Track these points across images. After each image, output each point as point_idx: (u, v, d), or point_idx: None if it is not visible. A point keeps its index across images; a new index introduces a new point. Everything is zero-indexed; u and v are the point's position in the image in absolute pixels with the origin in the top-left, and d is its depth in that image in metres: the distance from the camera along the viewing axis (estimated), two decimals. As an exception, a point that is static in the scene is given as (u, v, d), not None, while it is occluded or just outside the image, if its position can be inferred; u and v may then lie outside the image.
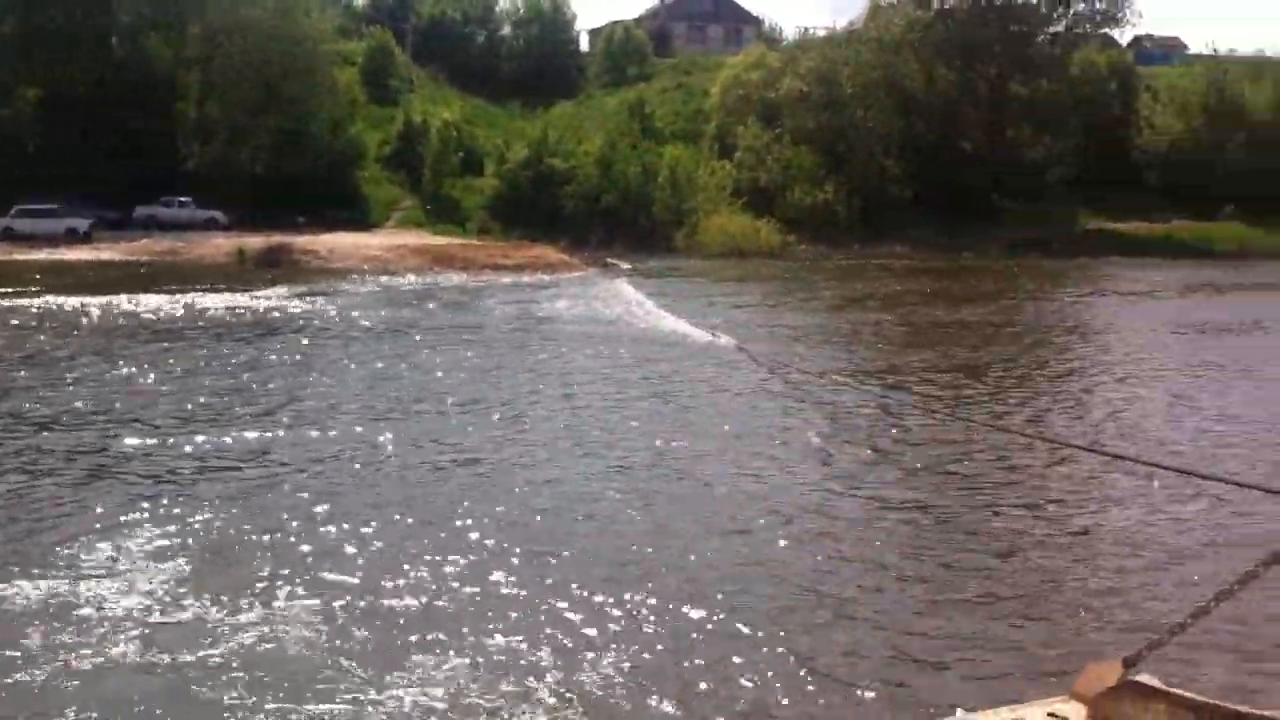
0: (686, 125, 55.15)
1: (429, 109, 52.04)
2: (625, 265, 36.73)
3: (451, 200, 47.32)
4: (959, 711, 4.17)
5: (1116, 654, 3.83)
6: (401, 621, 6.64)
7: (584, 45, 70.59)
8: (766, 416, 12.94)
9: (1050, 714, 3.61)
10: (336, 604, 6.86)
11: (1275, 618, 6.69)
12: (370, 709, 5.62)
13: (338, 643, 6.35)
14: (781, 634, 6.59)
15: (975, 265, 39.48)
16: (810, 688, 5.93)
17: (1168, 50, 70.12)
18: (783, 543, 8.30)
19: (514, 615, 6.76)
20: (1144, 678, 3.57)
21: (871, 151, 48.80)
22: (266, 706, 5.60)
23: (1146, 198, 52.04)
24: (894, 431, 12.23)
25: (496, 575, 7.41)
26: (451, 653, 6.27)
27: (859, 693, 5.89)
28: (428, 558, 7.70)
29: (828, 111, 49.38)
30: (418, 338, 18.96)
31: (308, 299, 25.05)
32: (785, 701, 5.80)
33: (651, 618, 6.82)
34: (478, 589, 7.17)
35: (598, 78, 64.82)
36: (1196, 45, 72.27)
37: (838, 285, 31.94)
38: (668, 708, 5.70)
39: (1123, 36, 62.39)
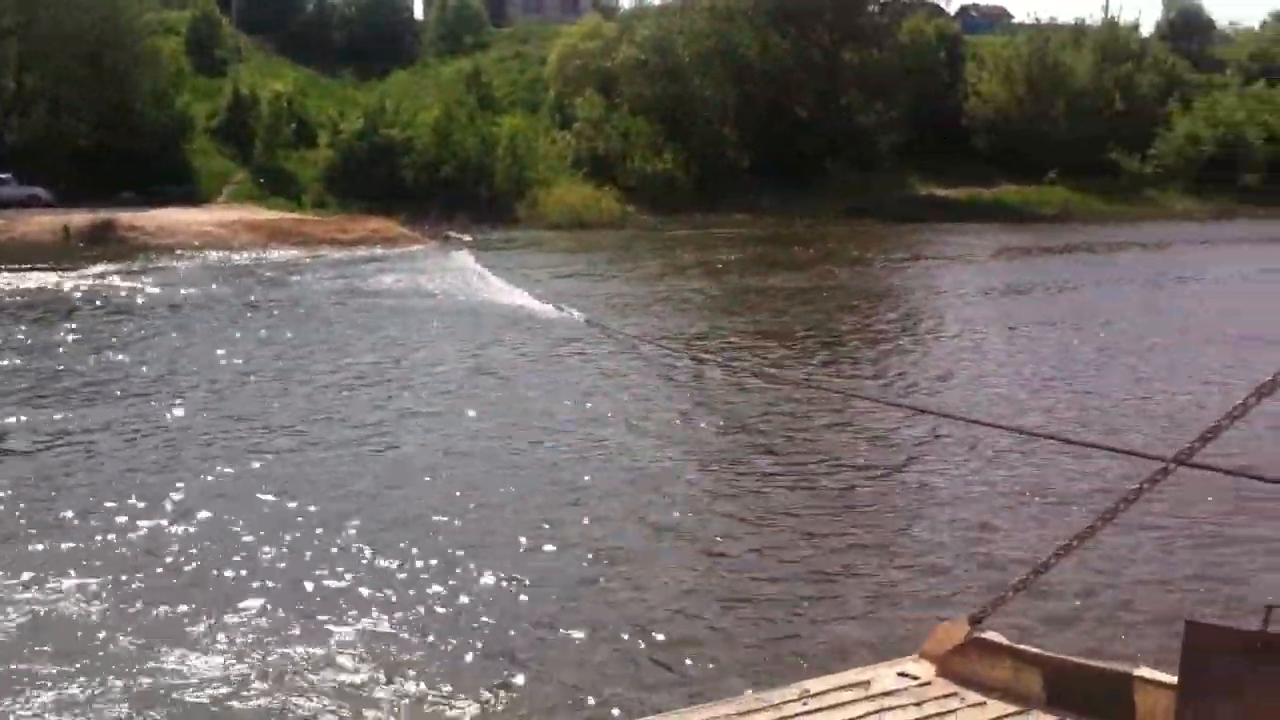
0: (524, 95, 56.45)
1: (258, 80, 51.90)
2: (466, 238, 37.63)
3: (285, 173, 47.57)
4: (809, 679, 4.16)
5: (964, 612, 4.04)
6: (183, 592, 6.90)
7: (418, 13, 71.15)
8: (592, 384, 13.47)
9: (901, 674, 3.83)
10: (122, 577, 7.10)
11: (1112, 571, 7.14)
12: (145, 680, 5.79)
13: (114, 616, 6.54)
14: (623, 604, 6.79)
15: (811, 231, 41.28)
16: (653, 659, 6.08)
17: (993, 19, 76.04)
18: (620, 511, 8.54)
19: (303, 581, 7.10)
20: (990, 634, 3.82)
21: (709, 120, 51.00)
22: (42, 674, 5.82)
23: (975, 163, 55.35)
24: (728, 396, 12.88)
25: (281, 544, 7.72)
26: (233, 619, 6.53)
27: (704, 664, 6.02)
28: (213, 531, 8.01)
29: (665, 80, 51.35)
30: (235, 314, 19.30)
31: (131, 277, 25.20)
32: (618, 672, 5.94)
33: (440, 579, 7.10)
34: (263, 560, 7.45)
35: (433, 46, 65.41)
36: (1021, 14, 78.61)
37: (678, 253, 33.08)
38: (482, 689, 5.78)
39: (950, 5, 67.86)
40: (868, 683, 3.76)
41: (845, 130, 53.39)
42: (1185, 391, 13.24)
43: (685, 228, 43.26)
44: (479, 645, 6.31)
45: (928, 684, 3.76)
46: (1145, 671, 3.51)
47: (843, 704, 3.62)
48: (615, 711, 5.56)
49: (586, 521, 8.39)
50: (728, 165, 50.58)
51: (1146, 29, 70.94)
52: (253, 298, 22.24)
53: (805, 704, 3.63)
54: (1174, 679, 3.26)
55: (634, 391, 13.30)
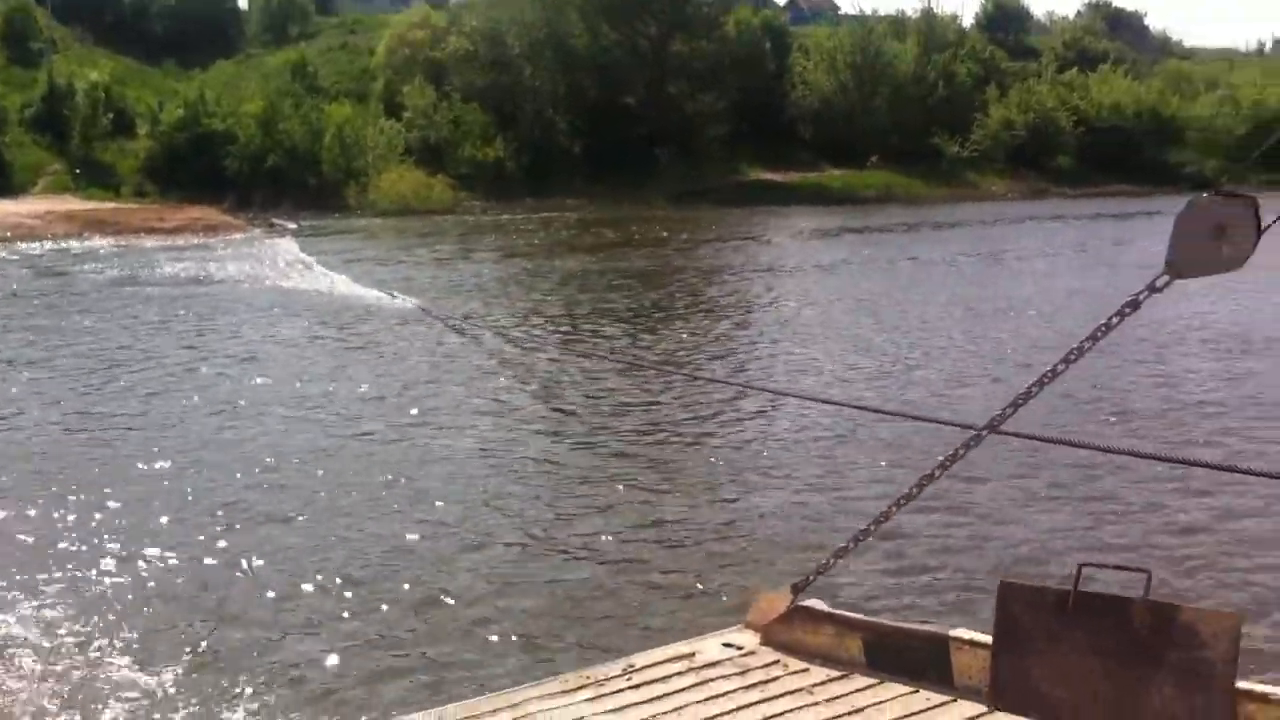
0: (353, 85, 56.96)
1: (75, 70, 51.44)
2: (292, 225, 38.08)
3: (103, 164, 47.51)
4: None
5: (788, 582, 4.11)
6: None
7: (243, 2, 70.99)
8: (417, 370, 13.63)
9: (726, 644, 3.92)
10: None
11: (929, 536, 7.48)
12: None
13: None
14: (440, 583, 6.86)
15: (641, 216, 42.54)
16: (473, 640, 6.10)
17: (820, 11, 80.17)
18: (441, 493, 8.67)
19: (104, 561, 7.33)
20: (812, 602, 3.93)
21: (539, 109, 52.53)
22: None
23: (802, 150, 58.28)
24: (556, 376, 13.24)
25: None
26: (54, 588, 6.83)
27: (528, 643, 6.07)
28: None
29: (495, 70, 52.83)
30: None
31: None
32: (439, 652, 5.97)
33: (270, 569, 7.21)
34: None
35: (258, 36, 65.86)
36: (847, 6, 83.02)
37: (510, 239, 33.75)
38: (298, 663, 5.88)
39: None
40: (693, 654, 3.85)
41: (674, 119, 55.40)
42: (998, 362, 14.00)
43: (517, 214, 44.41)
44: (283, 626, 6.41)
45: (752, 653, 3.88)
46: (961, 632, 3.64)
47: (667, 677, 3.68)
48: (440, 695, 5.46)
49: (408, 504, 8.44)
50: (559, 153, 52.15)
51: (966, 20, 75.22)
52: (15, 288, 21.84)
53: (630, 679, 3.69)
54: (989, 639, 3.41)
55: (462, 375, 13.42)
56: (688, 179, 51.84)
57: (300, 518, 8.25)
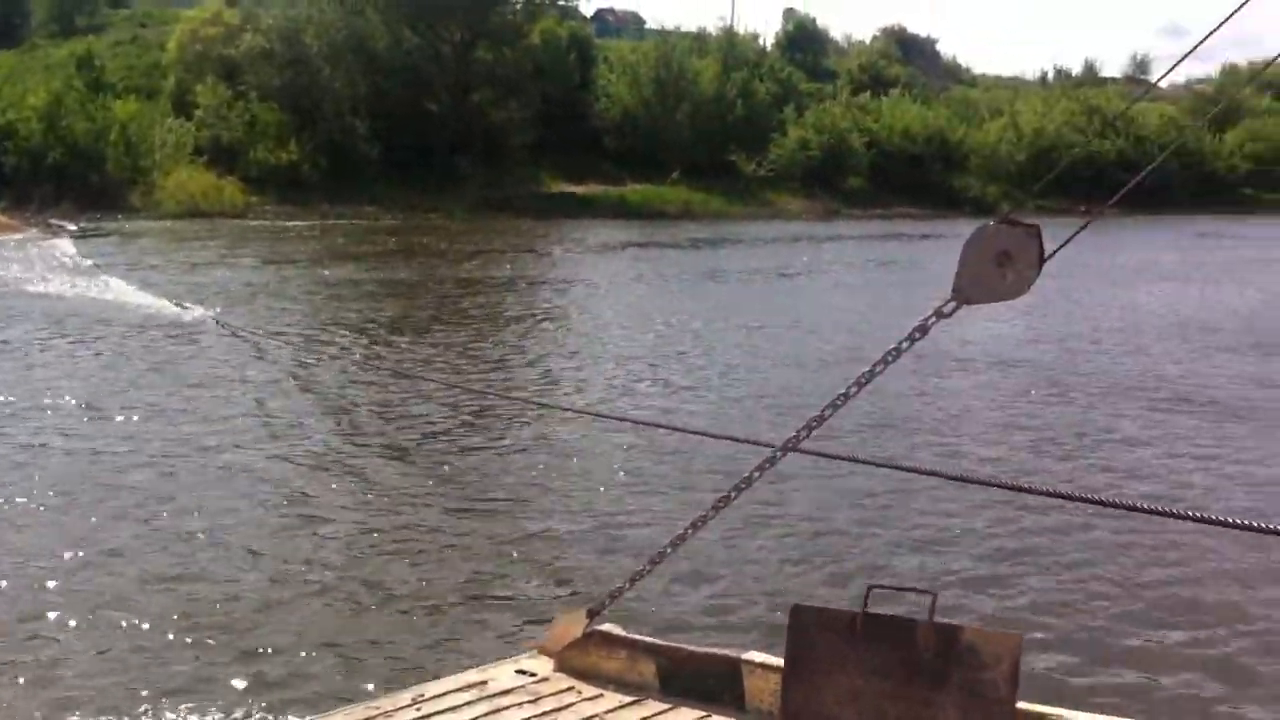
0: (142, 80, 55.77)
1: None
2: (71, 225, 37.27)
3: None
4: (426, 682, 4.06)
5: (582, 604, 4.17)
6: None
7: None
8: (198, 381, 13.14)
9: (519, 671, 3.93)
10: None
11: (726, 558, 7.52)
12: None
13: None
14: (215, 612, 6.51)
15: (441, 225, 43.01)
16: (253, 671, 5.77)
17: (624, 24, 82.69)
18: (219, 516, 8.26)
19: None
20: (608, 627, 3.97)
21: (338, 111, 52.39)
22: None
23: (605, 163, 59.65)
24: (347, 392, 12.96)
25: None
26: None
27: (314, 673, 5.80)
28: None
29: (292, 70, 52.57)
30: None
31: None
32: (202, 684, 5.64)
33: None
34: None
35: (44, 26, 64.15)
36: (652, 20, 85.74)
37: (302, 245, 33.44)
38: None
39: (587, 7, 73.39)
40: (484, 682, 3.83)
41: (477, 127, 56.10)
42: (795, 380, 14.20)
43: (312, 219, 44.23)
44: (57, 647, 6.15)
45: (545, 679, 3.87)
46: (754, 655, 3.71)
47: (457, 706, 3.66)
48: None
49: (180, 530, 8.01)
50: (357, 157, 52.05)
51: (767, 40, 78.91)
52: None
53: (419, 709, 3.65)
54: (781, 661, 3.47)
55: (244, 389, 12.92)
56: (489, 188, 52.44)
57: (51, 547, 7.62)
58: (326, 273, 26.40)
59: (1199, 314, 21.35)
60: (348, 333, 17.58)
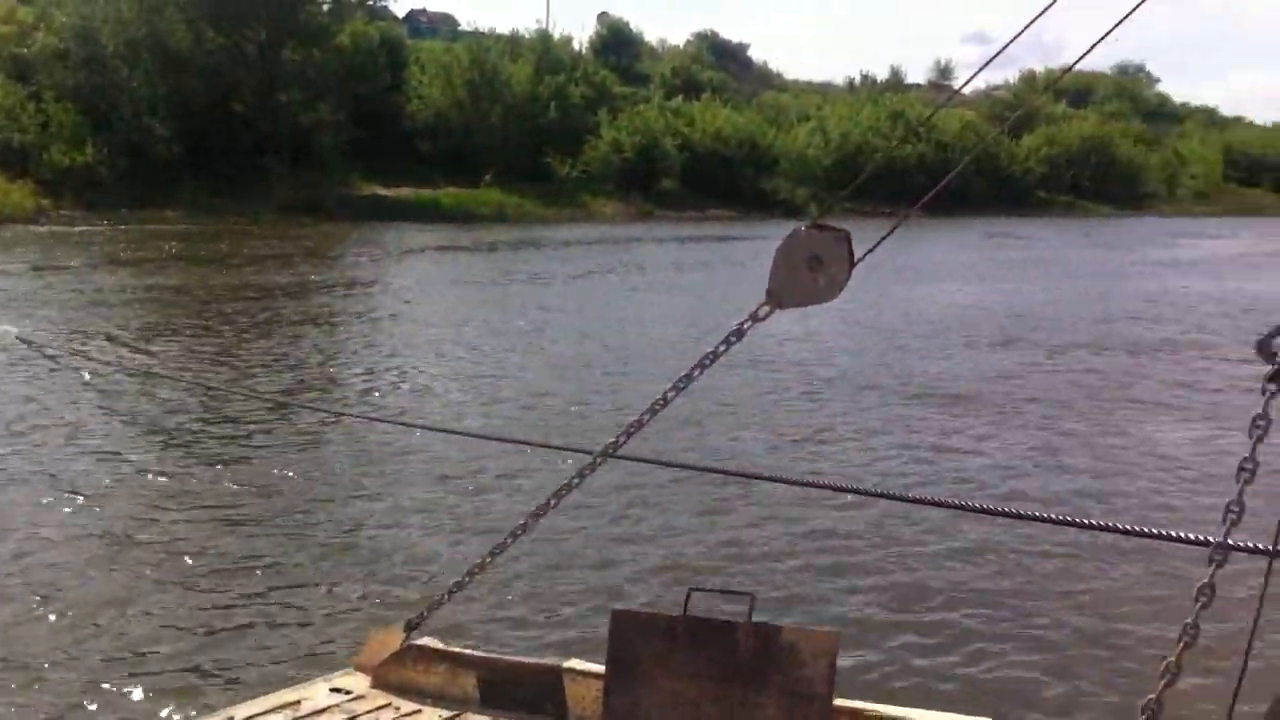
0: None
1: None
2: None
3: None
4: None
5: (399, 619, 4.14)
6: None
7: None
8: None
9: (334, 689, 3.88)
10: None
11: (548, 566, 7.53)
12: None
13: None
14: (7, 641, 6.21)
15: (248, 229, 42.46)
16: (53, 698, 5.60)
17: (437, 25, 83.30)
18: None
19: None
20: (425, 641, 3.96)
21: (137, 111, 51.24)
22: None
23: (417, 165, 59.76)
24: (149, 407, 12.29)
25: None
26: None
27: (116, 698, 5.61)
28: None
29: (87, 69, 51.18)
30: None
31: None
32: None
33: None
34: None
35: None
36: (465, 22, 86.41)
37: (102, 250, 32.62)
38: None
39: (398, 8, 73.62)
40: (298, 702, 3.75)
41: (285, 128, 55.58)
42: (613, 384, 14.37)
43: (110, 224, 43.43)
44: None
45: (361, 697, 3.83)
46: (576, 663, 3.72)
47: None
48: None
49: None
50: (158, 160, 50.86)
51: (581, 43, 79.47)
52: None
53: None
54: (603, 668, 3.49)
55: (35, 407, 12.37)
56: (298, 190, 52.06)
57: None
58: (97, 279, 25.41)
59: (966, 313, 22.56)
60: (141, 340, 17.10)
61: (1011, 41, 2.63)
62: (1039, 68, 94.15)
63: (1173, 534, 3.16)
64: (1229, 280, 31.23)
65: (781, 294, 2.84)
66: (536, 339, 18.23)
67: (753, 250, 38.30)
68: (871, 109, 77.93)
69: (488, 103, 63.57)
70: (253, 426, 11.64)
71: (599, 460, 3.62)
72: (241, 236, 39.56)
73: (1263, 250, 45.94)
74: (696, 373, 3.30)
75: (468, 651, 3.99)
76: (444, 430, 10.52)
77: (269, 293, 23.99)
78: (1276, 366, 1.87)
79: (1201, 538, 2.68)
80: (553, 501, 3.68)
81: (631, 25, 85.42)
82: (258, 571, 7.52)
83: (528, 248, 40.02)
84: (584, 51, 77.34)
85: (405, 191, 57.42)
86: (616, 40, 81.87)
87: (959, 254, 38.82)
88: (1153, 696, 1.91)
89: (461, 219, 53.34)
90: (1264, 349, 1.87)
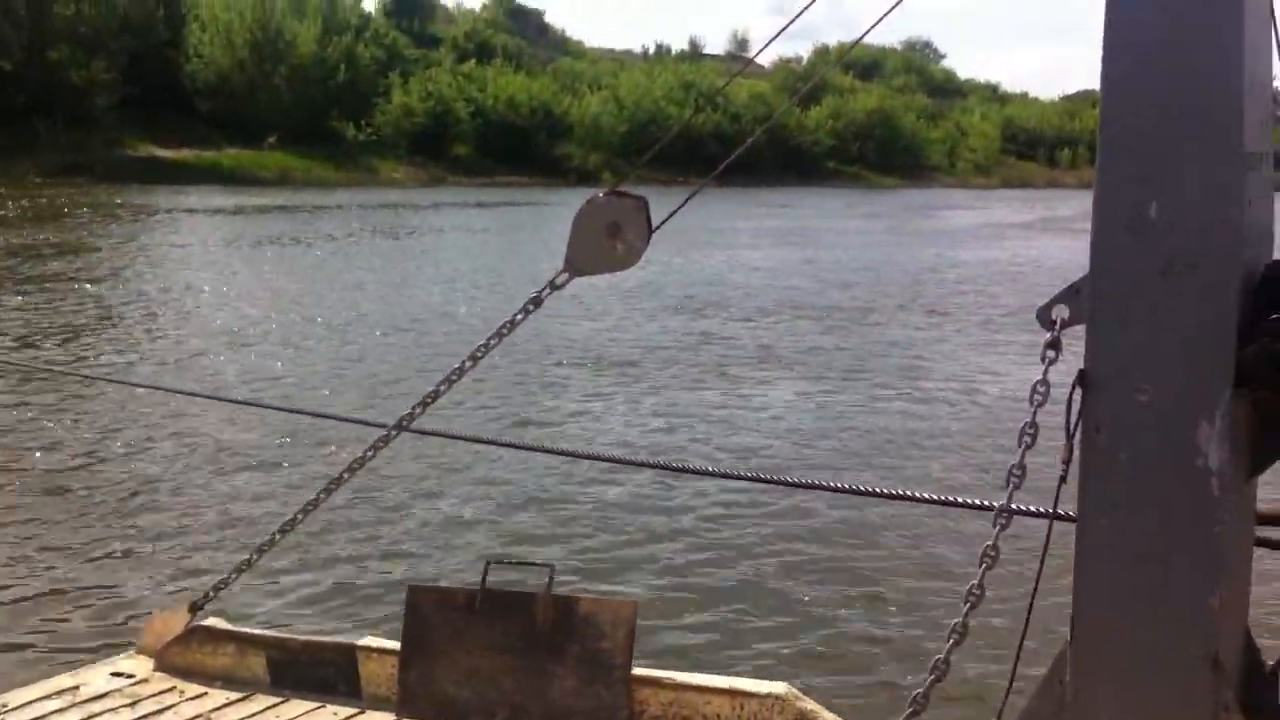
0: None
1: None
2: None
3: None
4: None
5: (184, 599, 4.06)
6: None
7: None
8: None
9: (115, 673, 3.77)
10: None
11: (342, 542, 7.45)
12: None
13: None
14: None
15: (18, 192, 41.15)
16: None
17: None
18: None
19: None
20: (211, 621, 3.90)
21: None
22: None
23: (198, 126, 59.74)
24: None
25: None
26: None
27: None
28: None
29: None
30: None
31: None
32: None
33: None
34: None
35: None
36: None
37: None
38: None
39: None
40: (76, 687, 3.67)
41: (57, 86, 54.84)
42: (408, 354, 14.30)
43: None
44: None
45: (144, 681, 3.75)
46: (370, 640, 3.75)
47: (46, 715, 3.51)
48: None
49: None
50: None
51: (371, 4, 79.58)
52: None
53: None
54: (399, 645, 3.56)
55: None
56: (70, 152, 51.60)
57: None
58: None
59: (752, 280, 23.19)
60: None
61: (803, 11, 2.61)
62: (833, 41, 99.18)
63: (958, 499, 3.30)
64: (1005, 248, 33.01)
65: (580, 262, 2.83)
66: (323, 308, 17.87)
67: (547, 216, 39.10)
68: (666, 78, 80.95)
69: (271, 63, 63.81)
70: (11, 396, 11.29)
71: (393, 433, 3.54)
72: (3, 200, 38.40)
73: (1033, 218, 49.05)
74: (494, 342, 3.26)
75: (256, 631, 3.97)
76: (231, 401, 10.40)
77: (26, 258, 23.44)
78: (1055, 334, 1.89)
79: (986, 502, 2.74)
80: (345, 475, 3.62)
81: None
82: (30, 552, 7.24)
83: (313, 212, 39.96)
84: (375, 13, 78.47)
85: (185, 154, 57.17)
86: (408, 2, 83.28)
87: (747, 222, 40.05)
88: (940, 657, 1.95)
89: (244, 182, 53.41)
90: (1043, 317, 1.90)
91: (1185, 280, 1.76)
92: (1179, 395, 1.78)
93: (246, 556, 3.75)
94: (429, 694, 3.45)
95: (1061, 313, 1.90)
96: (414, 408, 3.39)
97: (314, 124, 62.41)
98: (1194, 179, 1.74)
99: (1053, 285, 1.94)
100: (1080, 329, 1.88)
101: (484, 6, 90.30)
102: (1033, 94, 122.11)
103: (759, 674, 4.14)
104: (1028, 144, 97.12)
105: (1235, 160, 1.73)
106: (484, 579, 3.45)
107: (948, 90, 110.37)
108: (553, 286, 2.98)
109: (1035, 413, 1.94)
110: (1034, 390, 1.94)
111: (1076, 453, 1.86)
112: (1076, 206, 52.87)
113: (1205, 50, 1.73)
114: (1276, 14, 1.92)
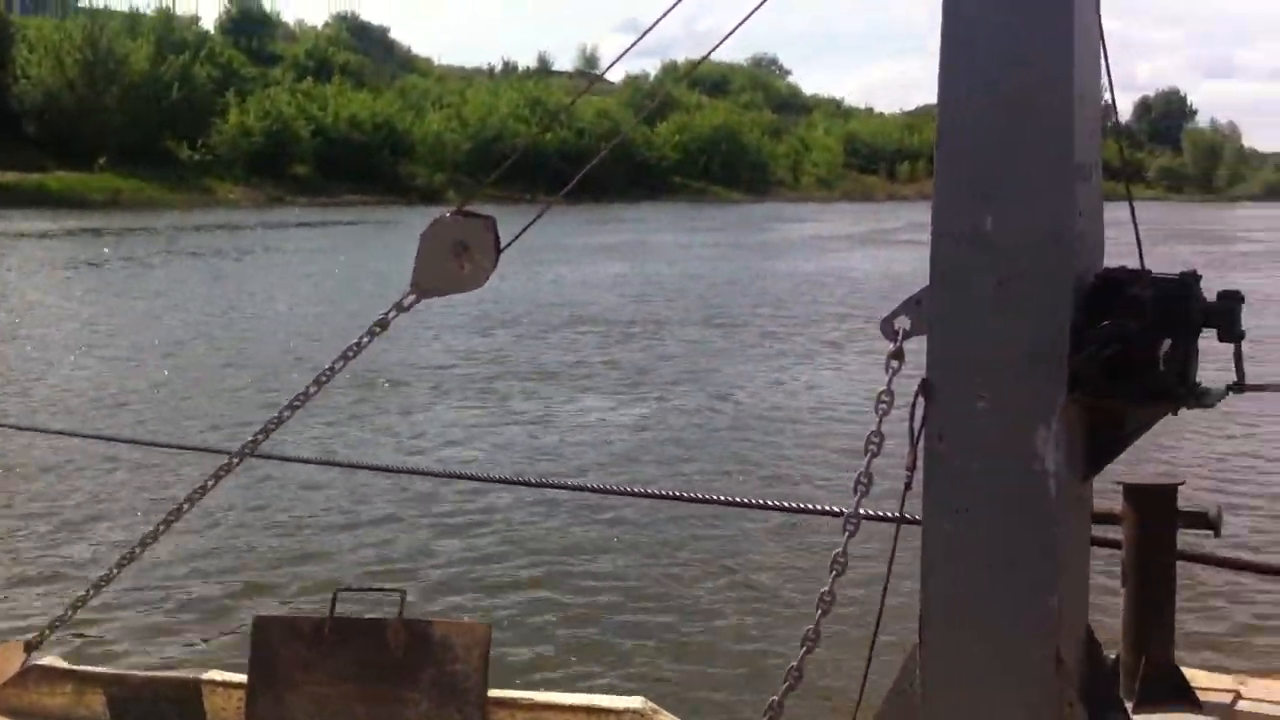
0: None
1: None
2: None
3: None
4: None
5: (19, 637, 3.90)
6: None
7: None
8: None
9: None
10: None
11: (185, 574, 7.28)
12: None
13: None
14: None
15: None
16: None
17: (49, 2, 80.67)
18: None
19: None
20: (48, 660, 3.78)
21: None
22: None
23: (25, 148, 57.79)
24: None
25: None
26: None
27: None
28: None
29: None
30: None
31: None
32: None
33: None
34: None
35: None
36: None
37: None
38: None
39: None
40: None
41: None
42: (251, 379, 14.06)
43: None
44: None
45: None
46: (215, 674, 3.65)
47: None
48: None
49: None
50: None
51: (208, 22, 78.89)
52: None
53: None
54: (245, 678, 3.44)
55: None
56: None
57: None
58: None
59: (592, 297, 23.34)
60: None
61: (651, 28, 2.61)
62: (680, 57, 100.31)
63: (809, 506, 3.28)
64: (844, 260, 33.80)
65: (427, 282, 2.78)
66: (157, 333, 17.44)
67: (390, 235, 38.63)
68: (511, 95, 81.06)
69: (103, 83, 62.13)
70: None
71: (236, 460, 3.37)
72: None
73: (865, 230, 50.30)
74: (339, 365, 3.15)
75: (95, 669, 3.84)
76: (67, 434, 9.82)
77: None
78: (898, 345, 1.92)
79: (835, 509, 2.74)
80: (186, 506, 3.44)
81: (267, 5, 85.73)
82: None
83: (145, 234, 39.19)
84: (212, 31, 76.98)
85: (9, 176, 55.29)
86: (247, 20, 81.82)
87: (594, 239, 40.23)
88: (794, 664, 1.96)
89: (73, 205, 52.00)
90: (886, 329, 1.93)
91: (1020, 290, 1.81)
92: (1017, 401, 1.83)
93: (83, 592, 3.59)
94: None
95: (904, 324, 1.94)
96: (257, 434, 3.26)
97: (147, 145, 60.89)
98: (1027, 192, 1.80)
99: (885, 291, 1.99)
100: (922, 339, 1.92)
101: (326, 24, 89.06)
102: (877, 109, 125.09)
103: (616, 690, 4.17)
104: (869, 158, 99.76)
105: (1066, 172, 1.79)
106: (333, 607, 3.35)
107: (793, 106, 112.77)
108: (399, 308, 2.88)
109: (880, 421, 1.95)
110: (879, 400, 1.95)
111: (920, 459, 1.90)
112: (905, 218, 55.09)
113: (1036, 66, 1.79)
114: (1104, 29, 1.97)
